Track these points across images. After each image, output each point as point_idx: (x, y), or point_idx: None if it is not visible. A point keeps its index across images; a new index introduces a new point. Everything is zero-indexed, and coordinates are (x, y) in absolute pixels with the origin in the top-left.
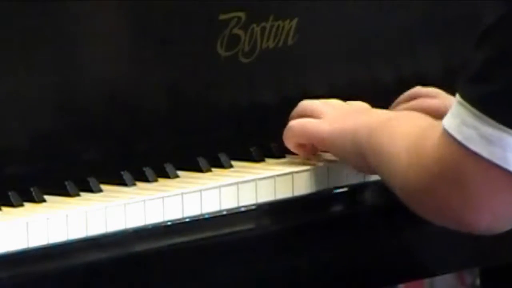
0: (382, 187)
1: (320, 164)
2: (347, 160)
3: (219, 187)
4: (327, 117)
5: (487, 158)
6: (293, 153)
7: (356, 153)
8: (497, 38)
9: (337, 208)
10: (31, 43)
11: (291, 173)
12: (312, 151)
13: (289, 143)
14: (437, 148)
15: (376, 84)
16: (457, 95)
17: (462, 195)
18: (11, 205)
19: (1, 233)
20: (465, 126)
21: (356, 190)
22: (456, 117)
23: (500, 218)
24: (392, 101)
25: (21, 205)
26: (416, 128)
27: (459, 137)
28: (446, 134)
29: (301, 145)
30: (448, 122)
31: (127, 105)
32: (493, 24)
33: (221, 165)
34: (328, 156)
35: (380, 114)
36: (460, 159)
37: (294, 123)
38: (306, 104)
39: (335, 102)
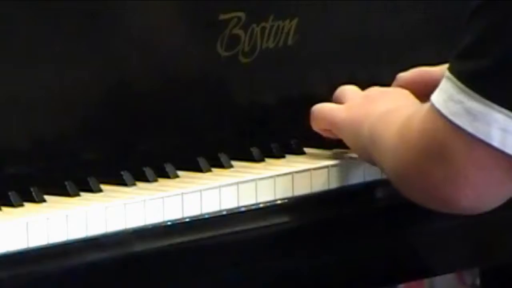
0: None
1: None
2: (354, 149)
3: (219, 187)
4: (348, 104)
5: (471, 133)
6: (293, 153)
7: (361, 145)
8: (485, 16)
9: (337, 208)
10: (31, 44)
11: (291, 173)
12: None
13: (314, 127)
14: (423, 123)
15: (376, 85)
16: (446, 71)
17: (445, 170)
18: (11, 205)
19: (1, 233)
20: (452, 101)
21: (358, 190)
22: (444, 92)
23: (483, 196)
24: None
25: (21, 205)
26: (408, 113)
27: (445, 111)
28: (433, 108)
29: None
30: (436, 97)
31: (128, 105)
32: (481, 2)
33: (221, 165)
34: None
35: (386, 103)
36: (445, 133)
37: (315, 107)
38: (341, 89)
39: (372, 89)
